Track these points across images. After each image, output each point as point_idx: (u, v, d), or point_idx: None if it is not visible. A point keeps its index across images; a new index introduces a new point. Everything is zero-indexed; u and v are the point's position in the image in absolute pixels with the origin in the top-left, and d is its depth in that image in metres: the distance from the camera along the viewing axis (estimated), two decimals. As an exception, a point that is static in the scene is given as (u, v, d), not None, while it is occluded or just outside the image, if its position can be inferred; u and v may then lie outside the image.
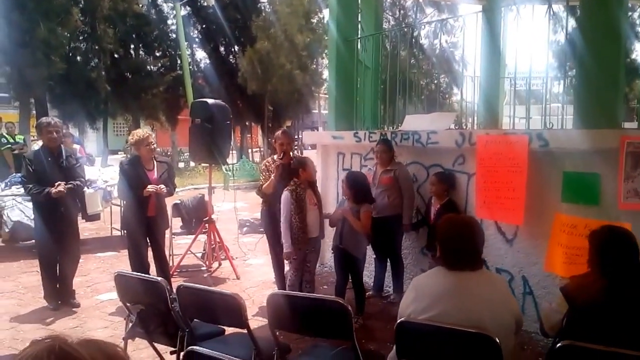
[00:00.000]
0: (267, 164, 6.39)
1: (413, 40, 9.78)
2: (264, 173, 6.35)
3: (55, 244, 6.17)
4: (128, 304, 4.24)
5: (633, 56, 20.31)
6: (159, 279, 4.09)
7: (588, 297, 2.95)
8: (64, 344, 1.10)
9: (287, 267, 6.21)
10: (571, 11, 6.73)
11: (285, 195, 5.69)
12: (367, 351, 3.84)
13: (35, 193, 5.99)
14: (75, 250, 6.46)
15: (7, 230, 8.40)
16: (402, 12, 25.89)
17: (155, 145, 6.45)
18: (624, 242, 3.07)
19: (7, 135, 14.19)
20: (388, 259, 6.67)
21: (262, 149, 29.34)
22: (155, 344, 4.18)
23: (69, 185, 6.07)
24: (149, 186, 6.15)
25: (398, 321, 3.02)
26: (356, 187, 5.74)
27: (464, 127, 8.44)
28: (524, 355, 4.93)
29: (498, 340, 2.72)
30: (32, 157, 6.19)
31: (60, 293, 6.35)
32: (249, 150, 30.38)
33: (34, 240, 7.26)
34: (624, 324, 2.83)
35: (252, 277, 7.65)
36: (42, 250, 6.34)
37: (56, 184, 5.96)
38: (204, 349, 2.75)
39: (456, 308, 2.89)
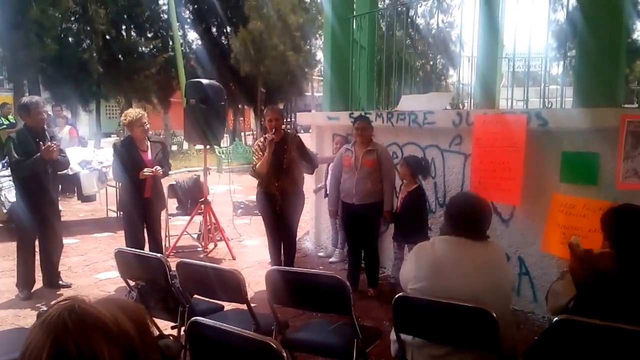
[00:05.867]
0: (259, 143, 6.16)
1: (409, 19, 9.70)
2: (257, 153, 6.13)
3: (39, 228, 5.98)
4: (129, 281, 4.27)
5: (634, 36, 19.90)
6: (159, 255, 4.12)
7: (600, 278, 2.75)
8: (83, 303, 1.13)
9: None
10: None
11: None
12: (364, 326, 3.86)
13: (28, 163, 5.64)
14: (59, 234, 6.29)
15: (4, 211, 8.33)
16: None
17: (148, 126, 6.36)
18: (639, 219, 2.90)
19: (2, 117, 14.16)
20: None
21: (254, 132, 29.22)
22: (156, 320, 4.19)
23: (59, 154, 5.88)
24: (145, 170, 6.09)
25: (397, 295, 3.06)
26: None
27: (461, 108, 8.43)
28: (520, 334, 4.96)
29: (495, 315, 2.74)
30: (19, 139, 5.75)
31: (47, 278, 6.26)
32: (242, 134, 30.26)
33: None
34: (638, 303, 2.65)
35: (247, 257, 7.68)
36: (23, 233, 6.08)
37: (46, 144, 5.67)
38: (207, 320, 2.77)
39: (455, 277, 2.94)
